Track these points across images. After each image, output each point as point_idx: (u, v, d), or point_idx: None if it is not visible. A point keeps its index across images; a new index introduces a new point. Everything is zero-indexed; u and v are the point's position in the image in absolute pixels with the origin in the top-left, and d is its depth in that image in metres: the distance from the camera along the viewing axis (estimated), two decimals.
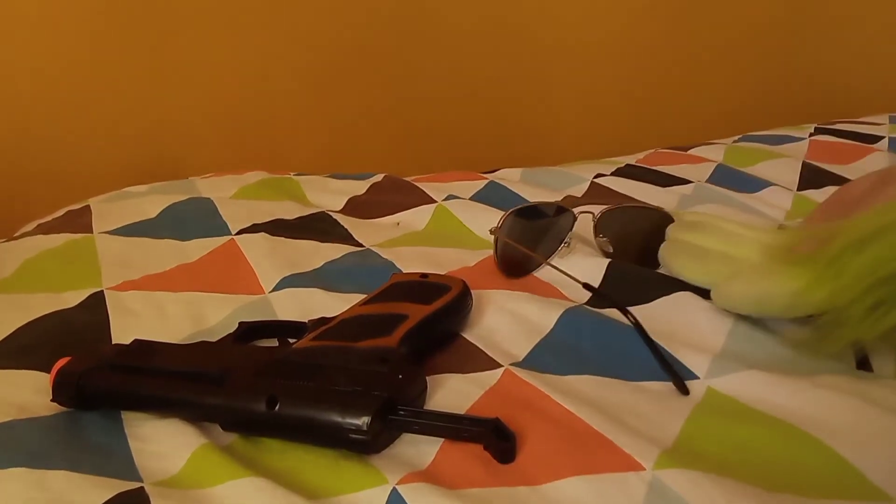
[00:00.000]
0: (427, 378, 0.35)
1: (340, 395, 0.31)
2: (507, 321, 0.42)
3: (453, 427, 0.31)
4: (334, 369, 0.33)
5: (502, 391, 0.35)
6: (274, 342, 0.40)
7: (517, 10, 1.02)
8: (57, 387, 0.34)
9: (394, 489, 0.29)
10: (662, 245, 0.47)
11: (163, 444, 0.32)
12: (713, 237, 0.45)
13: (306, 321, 0.40)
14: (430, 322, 0.38)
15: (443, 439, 0.32)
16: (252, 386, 0.33)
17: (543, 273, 0.49)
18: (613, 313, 0.42)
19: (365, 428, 0.30)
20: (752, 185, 0.68)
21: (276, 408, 0.31)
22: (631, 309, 0.41)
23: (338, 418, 0.31)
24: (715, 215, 0.49)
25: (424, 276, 0.42)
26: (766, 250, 0.40)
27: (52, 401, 0.34)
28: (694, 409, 0.34)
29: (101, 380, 0.34)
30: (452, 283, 0.41)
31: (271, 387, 0.32)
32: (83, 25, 0.80)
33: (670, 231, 0.48)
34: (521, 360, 0.38)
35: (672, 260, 0.45)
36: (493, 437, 0.30)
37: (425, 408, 0.34)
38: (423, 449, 0.31)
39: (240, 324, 0.41)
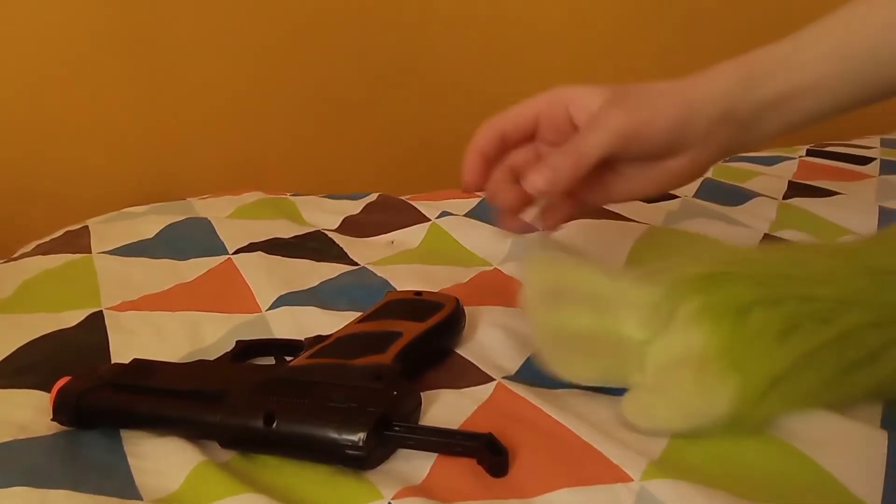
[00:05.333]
0: (422, 394, 0.36)
1: (336, 412, 0.32)
2: (500, 336, 0.42)
3: (446, 442, 0.32)
4: (330, 386, 0.34)
5: (495, 405, 0.36)
6: (271, 360, 0.41)
7: (512, 27, 1.04)
8: (57, 406, 0.35)
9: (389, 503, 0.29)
10: (536, 332, 0.38)
11: (162, 461, 0.33)
12: (583, 311, 0.37)
13: (303, 339, 0.41)
14: (424, 339, 0.39)
15: (436, 454, 0.32)
16: (250, 403, 0.33)
17: None
18: None
19: (360, 444, 0.31)
20: (738, 197, 0.69)
21: (274, 425, 0.32)
22: None
23: (334, 434, 0.31)
24: (562, 267, 0.40)
25: (418, 293, 0.43)
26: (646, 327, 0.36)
27: (52, 420, 0.35)
28: None
29: (101, 399, 0.35)
30: (446, 301, 0.42)
31: (269, 404, 0.33)
32: (81, 45, 0.81)
33: (533, 315, 0.38)
34: (513, 373, 0.39)
35: (555, 360, 0.36)
36: (486, 452, 0.31)
37: (420, 423, 0.35)
38: (417, 464, 0.32)
39: (237, 342, 0.41)
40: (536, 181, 0.37)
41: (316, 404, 0.33)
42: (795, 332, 0.34)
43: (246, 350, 0.41)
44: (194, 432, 0.34)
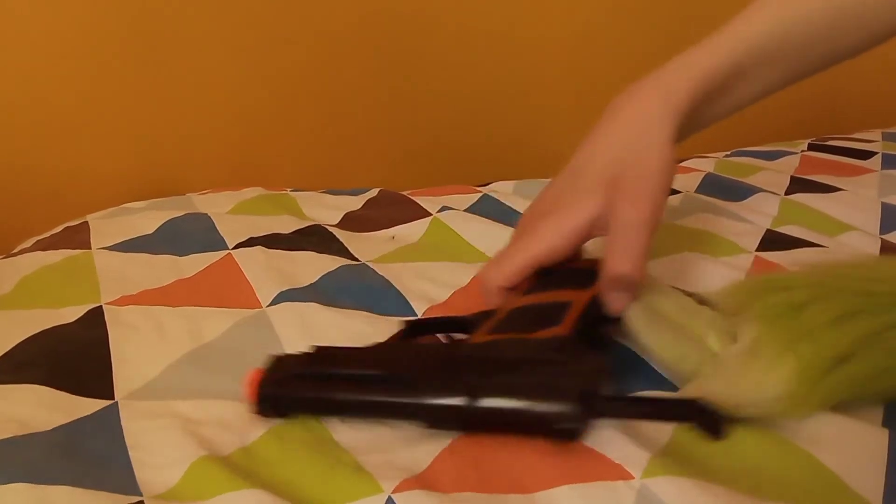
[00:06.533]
0: None
1: (540, 386, 0.31)
2: None
3: (656, 409, 0.31)
4: (521, 361, 0.33)
5: None
6: (436, 339, 0.41)
7: (510, 24, 1.04)
8: (260, 398, 0.35)
9: (389, 497, 0.29)
10: (632, 307, 0.39)
11: (162, 455, 0.33)
12: (674, 305, 0.39)
13: (469, 315, 0.40)
14: (594, 306, 0.38)
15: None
16: (447, 382, 0.33)
17: None
18: None
19: (572, 415, 0.30)
20: (740, 192, 0.69)
21: (477, 402, 0.32)
22: None
23: (543, 408, 0.31)
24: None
25: (572, 260, 0.42)
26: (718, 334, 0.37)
27: (254, 412, 0.35)
28: None
29: (299, 388, 0.35)
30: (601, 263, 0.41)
31: (468, 381, 0.32)
32: (81, 43, 0.81)
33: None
34: None
35: (644, 330, 0.38)
36: (701, 414, 0.30)
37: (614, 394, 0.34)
38: (417, 455, 0.32)
39: (405, 322, 0.41)
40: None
41: (517, 379, 0.32)
42: (850, 320, 0.34)
43: (414, 329, 0.41)
44: (394, 415, 0.34)
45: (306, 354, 0.37)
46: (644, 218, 0.37)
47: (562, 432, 0.31)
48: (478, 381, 0.32)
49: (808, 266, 0.42)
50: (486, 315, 0.39)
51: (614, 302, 0.38)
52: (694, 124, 0.42)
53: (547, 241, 0.40)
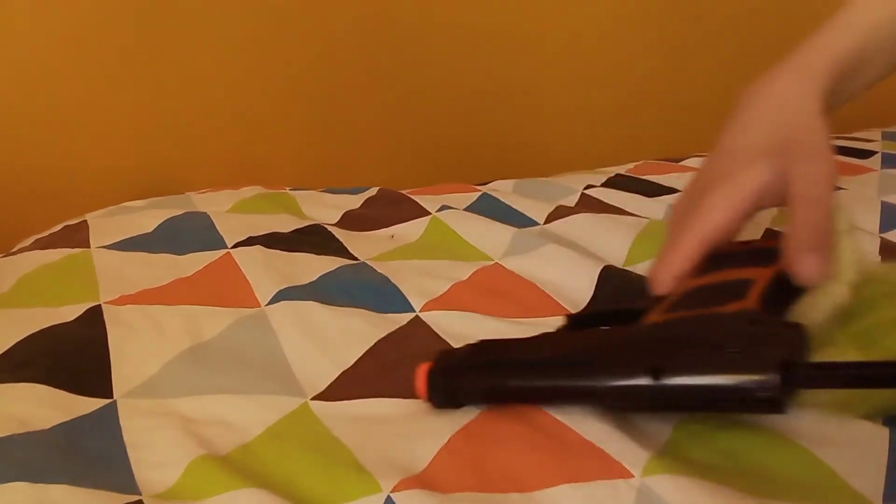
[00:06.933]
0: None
1: (733, 357, 0.29)
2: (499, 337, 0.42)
3: (864, 374, 0.28)
4: (711, 335, 0.31)
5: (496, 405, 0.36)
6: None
7: (509, 23, 1.04)
8: (432, 388, 0.35)
9: (388, 497, 0.29)
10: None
11: (161, 454, 0.33)
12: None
13: (638, 304, 0.37)
14: (782, 279, 0.36)
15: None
16: (626, 360, 0.31)
17: (540, 282, 0.49)
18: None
19: (775, 385, 0.28)
20: None
21: (662, 379, 0.30)
22: None
23: (740, 379, 0.29)
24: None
25: (746, 242, 0.40)
26: None
27: (427, 402, 0.36)
28: (682, 415, 0.34)
29: (470, 378, 0.35)
30: (776, 244, 0.38)
31: (653, 360, 0.30)
32: (80, 40, 0.81)
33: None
34: None
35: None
36: None
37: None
38: (416, 455, 0.32)
39: (568, 316, 0.41)
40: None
41: (709, 353, 0.30)
42: None
43: (576, 323, 0.40)
44: (571, 399, 0.33)
45: (472, 345, 0.37)
46: (827, 172, 0.35)
47: (765, 404, 0.28)
48: (665, 359, 0.30)
49: None
50: (656, 301, 0.36)
51: (806, 267, 0.34)
52: (827, 107, 0.40)
53: (718, 215, 0.37)
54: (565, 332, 0.39)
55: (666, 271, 0.38)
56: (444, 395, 0.35)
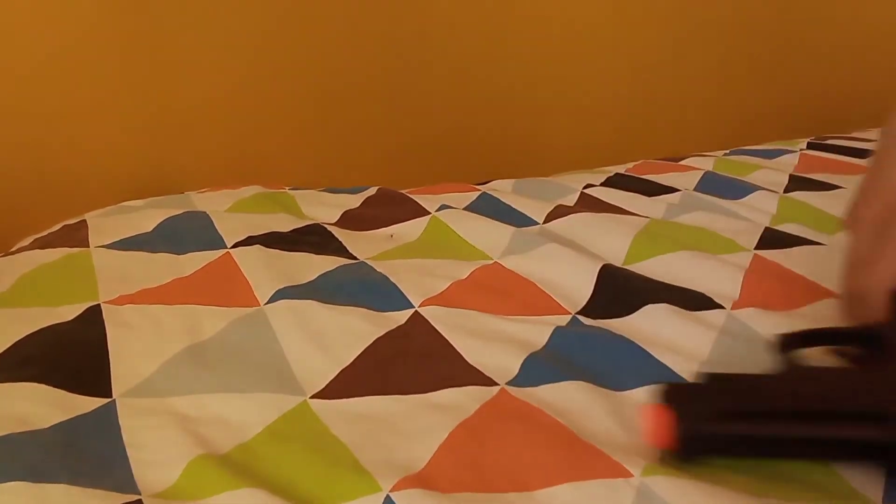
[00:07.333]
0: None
1: None
2: (500, 339, 0.42)
3: None
4: None
5: (497, 405, 0.36)
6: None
7: (510, 23, 1.04)
8: (685, 446, 0.30)
9: (387, 496, 0.29)
10: None
11: (160, 453, 0.33)
12: None
13: (871, 326, 0.33)
14: None
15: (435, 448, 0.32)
16: None
17: (540, 281, 0.49)
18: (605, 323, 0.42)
19: None
20: (738, 190, 0.69)
21: None
22: (620, 318, 0.42)
23: None
24: None
25: None
26: None
27: (672, 458, 0.31)
28: None
29: (735, 427, 0.30)
30: None
31: None
32: (80, 40, 0.81)
33: None
34: (514, 375, 0.39)
35: None
36: None
37: None
38: (416, 454, 0.32)
39: (781, 336, 0.35)
40: None
41: None
42: None
43: (791, 342, 0.35)
44: (859, 456, 0.30)
45: (705, 385, 0.31)
46: None
47: None
48: None
49: None
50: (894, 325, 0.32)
51: None
52: None
53: None
54: (822, 368, 0.33)
55: (874, 284, 0.34)
56: (696, 445, 0.30)
